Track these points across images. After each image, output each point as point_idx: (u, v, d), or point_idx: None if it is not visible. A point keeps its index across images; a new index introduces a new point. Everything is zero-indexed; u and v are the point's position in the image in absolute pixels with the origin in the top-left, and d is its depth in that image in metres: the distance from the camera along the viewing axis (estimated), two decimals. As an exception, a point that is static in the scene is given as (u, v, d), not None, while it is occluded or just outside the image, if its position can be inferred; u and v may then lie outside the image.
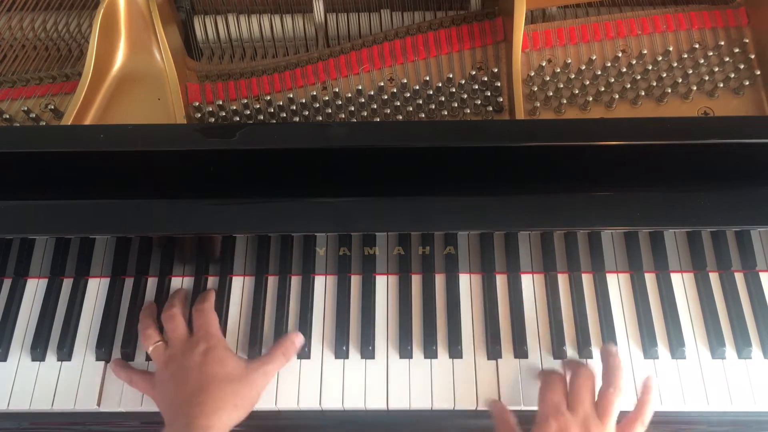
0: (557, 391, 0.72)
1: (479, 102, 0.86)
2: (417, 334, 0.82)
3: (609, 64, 0.89)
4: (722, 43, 0.90)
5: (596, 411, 0.70)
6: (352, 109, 0.88)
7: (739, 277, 0.84)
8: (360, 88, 0.87)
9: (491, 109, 0.87)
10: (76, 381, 0.80)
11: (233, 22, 0.97)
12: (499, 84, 0.87)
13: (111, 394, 0.80)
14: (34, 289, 0.86)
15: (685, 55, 0.90)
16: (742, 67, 0.88)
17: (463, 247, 0.84)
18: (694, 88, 0.87)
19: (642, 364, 0.79)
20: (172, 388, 0.72)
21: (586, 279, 0.84)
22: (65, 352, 0.82)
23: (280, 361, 0.77)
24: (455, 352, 0.80)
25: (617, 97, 0.86)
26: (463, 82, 0.89)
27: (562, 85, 0.88)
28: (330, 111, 0.87)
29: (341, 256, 0.84)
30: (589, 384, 0.72)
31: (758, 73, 0.88)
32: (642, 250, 0.84)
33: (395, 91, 0.89)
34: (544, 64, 0.91)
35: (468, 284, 0.84)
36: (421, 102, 0.87)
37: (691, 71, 0.88)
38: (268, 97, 0.89)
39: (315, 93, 0.89)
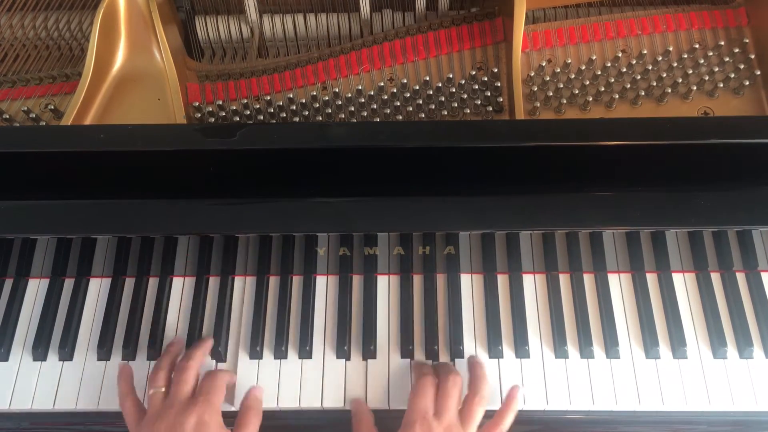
0: (427, 397, 0.73)
1: (479, 102, 0.86)
2: (418, 335, 0.82)
3: (609, 64, 0.89)
4: (722, 43, 0.90)
5: (460, 417, 0.72)
6: (352, 109, 0.88)
7: (740, 277, 0.84)
8: (360, 88, 0.87)
9: (491, 109, 0.87)
10: (77, 381, 0.80)
11: (233, 22, 0.97)
12: (499, 84, 0.87)
13: (112, 393, 0.79)
14: (36, 289, 0.86)
15: (685, 55, 0.90)
16: (742, 67, 0.88)
17: (464, 246, 0.84)
18: (694, 88, 0.87)
19: (644, 364, 0.79)
20: None
21: (588, 279, 0.84)
22: (66, 352, 0.82)
23: (255, 425, 0.74)
24: (457, 351, 0.80)
25: (617, 97, 0.86)
26: (463, 82, 0.89)
27: (562, 85, 0.88)
28: (330, 111, 0.87)
29: (342, 256, 0.84)
30: (456, 392, 0.73)
31: (758, 73, 0.88)
32: (643, 250, 0.84)
33: (395, 91, 0.89)
34: (544, 64, 0.91)
35: (469, 284, 0.84)
36: (421, 102, 0.87)
37: (691, 71, 0.88)
38: (268, 97, 0.89)
39: (315, 93, 0.89)
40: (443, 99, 0.88)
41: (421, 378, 0.75)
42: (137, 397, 0.76)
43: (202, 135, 0.74)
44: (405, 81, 0.89)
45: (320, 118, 0.87)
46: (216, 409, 0.72)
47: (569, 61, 0.89)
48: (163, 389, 0.74)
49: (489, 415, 0.75)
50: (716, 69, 0.88)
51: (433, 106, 0.87)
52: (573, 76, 0.89)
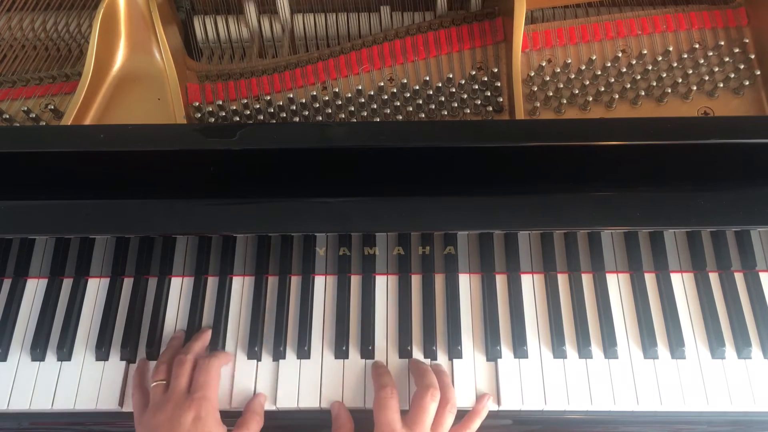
0: (391, 408, 0.73)
1: (479, 102, 0.86)
2: (417, 335, 0.82)
3: (609, 64, 0.89)
4: (722, 43, 0.90)
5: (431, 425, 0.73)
6: (352, 109, 0.88)
7: (738, 277, 0.84)
8: (360, 88, 0.87)
9: (491, 109, 0.87)
10: (75, 381, 0.80)
11: (233, 22, 0.97)
12: (499, 84, 0.87)
13: (111, 393, 0.80)
14: (34, 289, 0.86)
15: (685, 55, 0.90)
16: (742, 67, 0.88)
17: (463, 247, 0.84)
18: (694, 88, 0.87)
19: (642, 364, 0.79)
20: None
21: (586, 279, 0.84)
22: (65, 352, 0.82)
23: (256, 429, 0.75)
24: (455, 352, 0.80)
25: (617, 97, 0.86)
26: (463, 82, 0.89)
27: (562, 85, 0.88)
28: (330, 111, 0.87)
29: (341, 256, 0.84)
30: (433, 407, 0.74)
31: (758, 73, 0.88)
32: (642, 250, 0.84)
33: (395, 91, 0.89)
34: (544, 64, 0.91)
35: (468, 284, 0.84)
36: (421, 102, 0.87)
37: (691, 71, 0.88)
38: (268, 97, 0.89)
39: (315, 93, 0.89)
40: (443, 99, 0.88)
41: (380, 391, 0.75)
42: (146, 389, 0.78)
43: (202, 135, 0.74)
44: (405, 81, 0.89)
45: (320, 118, 0.87)
46: (213, 405, 0.73)
47: (569, 61, 0.89)
48: (165, 381, 0.76)
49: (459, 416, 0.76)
50: (716, 69, 0.88)
51: (433, 106, 0.87)
52: (573, 76, 0.89)
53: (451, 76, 0.88)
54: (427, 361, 0.80)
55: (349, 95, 0.87)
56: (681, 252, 0.84)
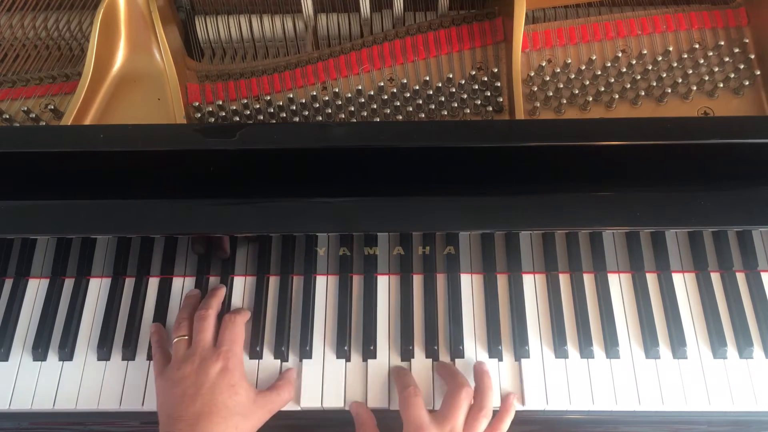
0: (418, 407, 0.73)
1: (479, 102, 0.86)
2: (418, 335, 0.82)
3: (609, 64, 0.89)
4: (722, 43, 0.90)
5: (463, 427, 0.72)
6: (352, 109, 0.88)
7: (740, 277, 0.84)
8: (360, 88, 0.87)
9: (491, 109, 0.87)
10: (77, 381, 0.80)
11: (234, 22, 0.97)
12: (499, 84, 0.87)
13: (112, 393, 0.80)
14: (36, 289, 0.86)
15: (685, 55, 0.90)
16: (742, 67, 0.88)
17: (464, 247, 0.84)
18: (694, 88, 0.87)
19: (644, 364, 0.79)
20: (177, 397, 0.71)
21: (588, 279, 0.84)
22: (67, 352, 0.82)
23: (286, 398, 0.77)
24: (456, 352, 0.80)
25: (617, 97, 0.86)
26: (463, 82, 0.89)
27: (562, 85, 0.88)
28: (330, 111, 0.87)
29: (342, 256, 0.84)
30: (467, 405, 0.73)
31: (758, 73, 0.88)
32: (643, 250, 0.84)
33: (395, 91, 0.89)
34: (544, 64, 0.91)
35: (469, 284, 0.84)
36: (421, 102, 0.87)
37: (691, 71, 0.88)
38: (268, 97, 0.89)
39: (315, 93, 0.89)
40: (443, 99, 0.88)
41: (404, 391, 0.75)
42: (166, 348, 0.79)
43: (202, 135, 0.74)
44: (405, 81, 0.89)
45: (320, 118, 0.87)
46: (239, 359, 0.75)
47: (569, 61, 0.89)
48: (186, 337, 0.77)
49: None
50: (716, 69, 0.88)
51: (433, 106, 0.87)
52: (573, 76, 0.89)
53: (451, 76, 0.88)
54: (429, 361, 0.80)
55: (349, 95, 0.87)
56: (682, 252, 0.84)
